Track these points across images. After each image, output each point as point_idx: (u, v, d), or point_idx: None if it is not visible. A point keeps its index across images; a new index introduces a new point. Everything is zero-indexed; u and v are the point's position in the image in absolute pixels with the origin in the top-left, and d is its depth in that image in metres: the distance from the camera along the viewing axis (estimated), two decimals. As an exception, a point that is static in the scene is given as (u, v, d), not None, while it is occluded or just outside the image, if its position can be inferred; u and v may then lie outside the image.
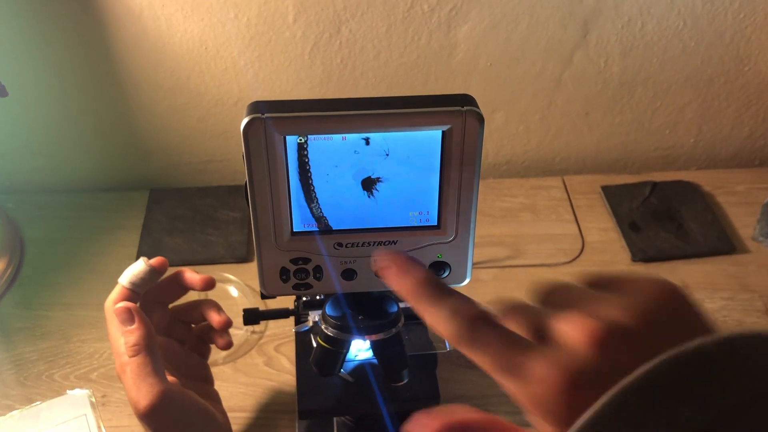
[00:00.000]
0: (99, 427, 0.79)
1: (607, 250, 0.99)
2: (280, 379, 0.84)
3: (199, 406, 0.62)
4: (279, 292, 0.54)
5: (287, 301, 0.74)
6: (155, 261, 0.67)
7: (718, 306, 0.92)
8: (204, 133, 1.03)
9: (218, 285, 0.94)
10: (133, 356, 0.60)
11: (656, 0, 0.94)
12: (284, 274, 0.53)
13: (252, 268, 0.96)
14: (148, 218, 1.01)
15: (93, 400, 0.82)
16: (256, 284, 0.92)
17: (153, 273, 0.66)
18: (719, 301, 0.93)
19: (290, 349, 0.87)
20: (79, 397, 0.82)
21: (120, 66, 0.95)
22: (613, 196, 1.05)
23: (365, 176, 0.50)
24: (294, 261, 0.53)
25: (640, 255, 0.97)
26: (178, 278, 0.70)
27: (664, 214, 1.03)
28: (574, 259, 0.98)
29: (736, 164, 1.15)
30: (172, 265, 0.96)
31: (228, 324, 0.70)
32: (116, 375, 0.62)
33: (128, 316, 0.61)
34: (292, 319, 0.88)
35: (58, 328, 0.89)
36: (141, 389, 0.58)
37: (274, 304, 0.75)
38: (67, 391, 0.83)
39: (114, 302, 0.63)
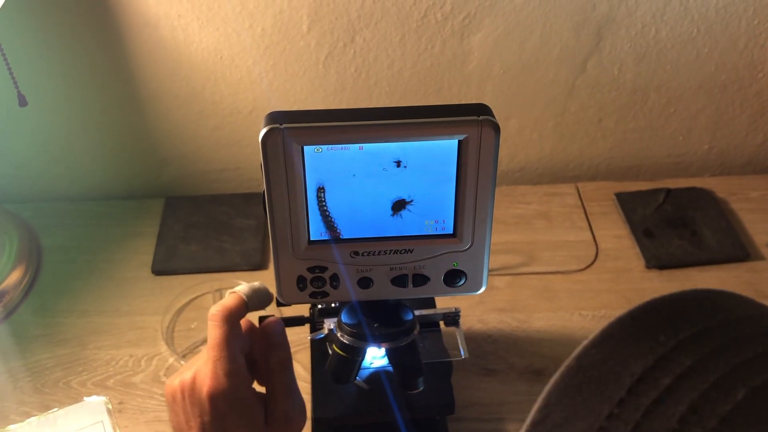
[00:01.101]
0: (116, 434, 0.80)
1: (621, 257, 0.99)
2: (295, 386, 0.84)
3: None
4: (296, 300, 0.54)
5: (303, 309, 0.75)
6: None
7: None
8: (219, 141, 1.04)
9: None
10: (285, 371, 0.61)
11: (670, 7, 0.94)
12: (301, 282, 0.54)
13: (267, 276, 0.96)
14: (164, 226, 1.02)
15: (110, 406, 0.83)
16: (271, 291, 0.93)
17: (269, 297, 0.64)
18: (734, 308, 0.92)
19: (305, 356, 0.87)
20: (95, 403, 0.83)
21: (137, 76, 0.96)
22: (627, 202, 1.05)
23: (398, 198, 0.50)
24: (311, 269, 0.53)
25: (654, 262, 0.97)
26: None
27: (678, 221, 1.03)
28: (588, 266, 0.98)
29: (750, 171, 1.14)
30: (187, 272, 0.98)
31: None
32: (217, 395, 0.58)
33: (284, 330, 0.61)
34: (307, 326, 0.89)
35: (74, 335, 0.90)
36: (296, 402, 0.60)
37: (289, 311, 0.75)
38: (84, 398, 0.83)
39: (230, 310, 0.60)
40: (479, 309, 0.92)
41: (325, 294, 0.54)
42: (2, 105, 0.98)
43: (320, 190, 0.50)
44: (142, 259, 0.98)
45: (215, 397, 0.58)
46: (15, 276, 0.94)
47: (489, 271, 0.97)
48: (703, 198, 1.06)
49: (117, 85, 0.98)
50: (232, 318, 0.60)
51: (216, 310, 0.60)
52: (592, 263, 0.98)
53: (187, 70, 0.95)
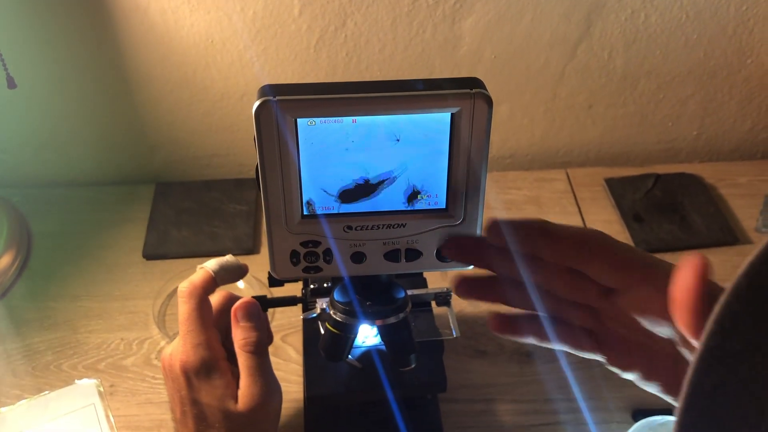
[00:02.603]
0: (107, 416, 0.80)
1: (611, 242, 0.99)
2: (287, 368, 0.84)
3: None
4: (289, 275, 0.54)
5: (295, 290, 0.75)
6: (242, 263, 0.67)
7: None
8: (210, 126, 1.03)
9: (225, 276, 0.95)
10: (253, 352, 0.61)
11: (659, -8, 0.94)
12: (294, 257, 0.54)
13: (259, 260, 0.96)
14: (155, 211, 1.02)
15: (101, 389, 0.83)
16: (262, 276, 0.93)
17: (240, 271, 0.66)
18: (723, 291, 0.93)
19: (297, 339, 0.87)
20: (87, 386, 0.83)
21: (127, 60, 0.96)
22: (617, 188, 1.06)
23: (410, 190, 0.51)
24: (304, 244, 0.53)
25: (644, 246, 0.97)
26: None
27: (667, 206, 1.03)
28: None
29: (738, 157, 1.15)
30: (179, 257, 0.97)
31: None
32: (186, 367, 0.61)
33: (255, 312, 0.62)
34: (298, 309, 0.89)
35: (66, 320, 0.90)
36: (267, 385, 0.61)
37: (281, 292, 0.75)
38: (76, 381, 0.83)
39: (200, 288, 0.62)
40: (470, 292, 0.93)
41: (319, 269, 0.54)
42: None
43: (313, 163, 0.50)
44: (133, 244, 0.98)
45: (186, 370, 0.60)
46: (5, 261, 0.94)
47: (480, 255, 0.98)
48: (692, 184, 1.07)
49: (107, 70, 0.97)
50: (198, 293, 0.62)
51: (183, 286, 0.62)
52: (583, 247, 0.99)
53: (178, 54, 0.95)
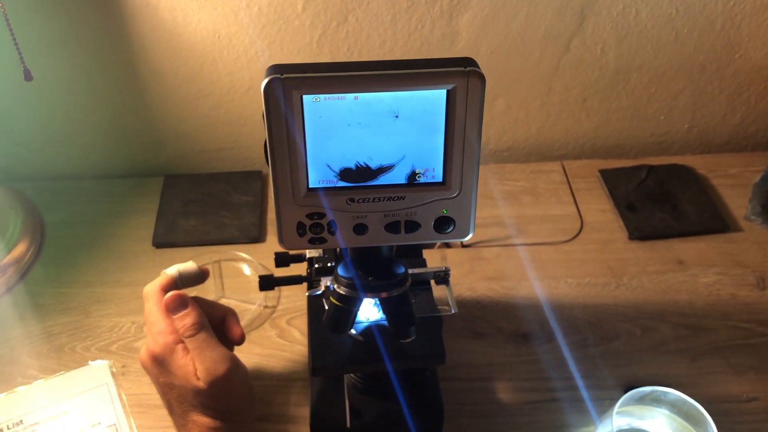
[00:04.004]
0: (120, 395, 0.83)
1: (605, 229, 1.03)
2: (293, 349, 0.88)
3: (248, 372, 0.70)
4: (296, 245, 0.58)
5: (300, 271, 0.78)
6: (204, 267, 0.76)
7: (712, 280, 0.96)
8: (216, 120, 1.07)
9: (232, 264, 0.98)
10: (194, 335, 0.67)
11: (649, -12, 0.98)
12: (301, 228, 0.57)
13: (265, 248, 1.00)
14: (163, 202, 1.05)
15: (114, 370, 0.86)
16: (268, 263, 0.96)
17: (199, 276, 0.75)
18: (713, 276, 0.97)
19: (301, 322, 0.91)
20: (100, 367, 0.86)
21: (137, 55, 0.99)
22: (611, 179, 1.09)
23: (409, 173, 0.56)
24: (310, 216, 0.56)
25: (637, 233, 1.01)
26: (214, 308, 0.76)
27: (659, 196, 1.07)
28: (573, 238, 1.02)
29: (730, 150, 1.19)
30: (187, 245, 1.01)
31: (242, 339, 0.76)
32: (154, 355, 0.68)
33: (181, 302, 0.69)
34: (303, 295, 0.92)
35: (78, 304, 0.93)
36: (214, 359, 0.66)
37: (287, 272, 0.79)
38: (89, 362, 0.87)
39: (157, 287, 0.71)
40: (469, 278, 0.96)
41: (323, 240, 0.58)
42: (6, 86, 1.01)
43: (318, 138, 0.54)
44: (143, 233, 1.02)
45: (155, 357, 0.68)
46: (19, 250, 0.97)
47: (479, 243, 1.02)
48: (684, 174, 1.10)
49: (118, 65, 1.01)
50: (156, 291, 0.71)
51: (146, 288, 0.72)
52: (577, 235, 1.02)
53: (186, 50, 0.99)
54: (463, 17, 0.99)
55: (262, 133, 1.10)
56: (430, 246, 0.99)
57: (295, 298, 0.93)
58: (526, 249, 1.00)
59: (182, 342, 0.68)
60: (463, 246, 1.00)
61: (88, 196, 1.08)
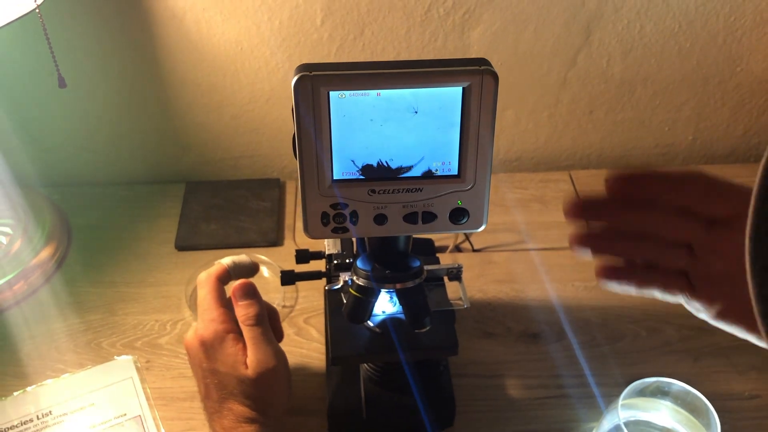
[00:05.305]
0: (144, 388, 0.87)
1: (612, 235, 1.06)
2: (310, 346, 0.91)
3: (291, 373, 0.74)
4: (320, 234, 0.61)
5: (320, 265, 0.82)
6: (254, 262, 0.79)
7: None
8: (237, 129, 1.11)
9: (251, 265, 1.02)
10: (254, 325, 0.71)
11: (653, 3, 1.02)
12: (325, 218, 0.61)
13: (282, 251, 1.03)
14: (186, 207, 1.09)
15: (138, 365, 0.89)
16: (286, 266, 1.00)
17: (251, 268, 0.78)
18: (716, 279, 1.00)
19: (318, 321, 0.94)
20: (125, 362, 0.90)
21: (162, 66, 1.04)
22: (617, 187, 1.12)
23: (426, 171, 0.60)
24: (333, 206, 0.60)
25: (642, 239, 1.04)
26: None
27: (664, 204, 1.10)
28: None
29: (733, 161, 1.22)
30: (209, 248, 1.05)
31: (282, 337, 0.79)
32: (203, 340, 0.71)
33: (250, 291, 0.73)
34: (320, 296, 0.96)
35: (104, 303, 0.97)
36: (267, 352, 0.70)
37: (306, 268, 0.82)
38: (115, 357, 0.90)
39: (212, 276, 0.74)
40: (480, 281, 1.00)
41: (345, 229, 0.61)
42: (36, 94, 1.06)
43: (343, 132, 0.58)
44: (166, 237, 1.06)
45: (203, 342, 0.71)
46: (47, 252, 1.01)
47: (489, 247, 1.05)
48: (688, 184, 1.13)
49: (143, 75, 1.06)
50: (212, 280, 0.74)
51: (201, 275, 0.75)
52: (585, 240, 1.05)
53: (209, 60, 1.03)
54: (474, 31, 1.03)
55: (280, 142, 1.15)
56: (443, 250, 1.02)
57: (312, 298, 0.97)
58: (535, 254, 1.04)
59: (233, 332, 0.71)
60: (474, 250, 1.04)
61: (113, 202, 1.12)
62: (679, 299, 0.57)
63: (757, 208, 0.34)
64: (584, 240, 0.58)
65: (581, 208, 0.56)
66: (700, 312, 0.56)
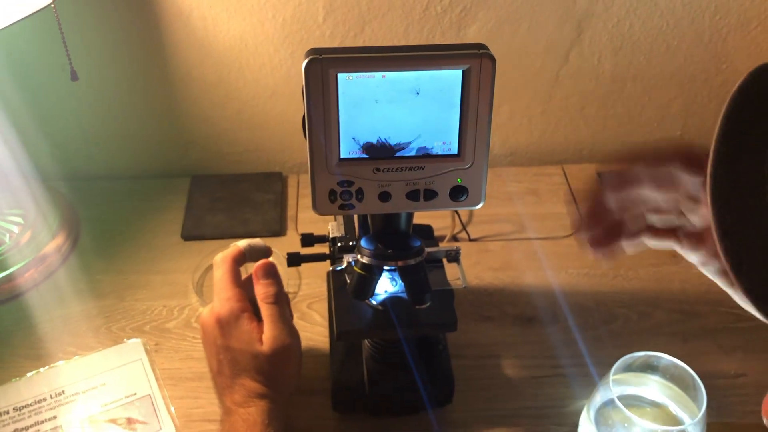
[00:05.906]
0: (153, 369, 0.90)
1: (603, 225, 1.10)
2: (313, 330, 0.95)
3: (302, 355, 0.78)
4: (328, 211, 0.65)
5: (324, 248, 0.85)
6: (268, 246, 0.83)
7: (706, 280, 1.03)
8: (241, 124, 1.15)
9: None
10: (273, 303, 0.75)
11: (642, 2, 1.06)
12: (332, 195, 0.64)
13: (285, 241, 1.07)
14: (191, 200, 1.13)
15: (147, 347, 0.93)
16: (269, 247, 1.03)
17: (265, 251, 0.82)
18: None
19: (321, 306, 0.98)
20: (134, 344, 0.93)
21: (169, 62, 1.08)
22: (608, 180, 1.16)
23: (422, 151, 0.63)
24: (340, 183, 0.64)
25: (633, 229, 1.08)
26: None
27: (654, 196, 1.14)
28: (572, 234, 1.09)
29: (720, 156, 1.26)
30: (214, 238, 1.08)
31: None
32: (219, 317, 0.74)
33: (272, 271, 0.77)
34: (322, 282, 0.99)
35: (113, 290, 1.00)
36: (283, 330, 0.74)
37: (311, 251, 0.86)
38: (125, 340, 0.93)
39: (228, 257, 0.77)
40: (477, 268, 1.03)
41: (352, 206, 0.65)
42: (47, 91, 1.09)
43: (349, 112, 0.61)
44: (172, 228, 1.09)
45: (219, 319, 0.74)
46: (58, 240, 1.04)
47: (485, 237, 1.09)
48: (677, 177, 1.17)
49: (150, 71, 1.09)
50: (229, 261, 0.77)
51: (218, 256, 0.78)
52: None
53: (215, 56, 1.07)
54: (470, 29, 1.07)
55: (283, 137, 1.18)
56: (441, 239, 1.06)
57: (315, 285, 1.00)
58: (529, 243, 1.08)
59: (248, 311, 0.74)
60: (471, 240, 1.08)
61: (120, 195, 1.15)
62: (672, 246, 0.62)
63: (716, 149, 0.44)
64: (596, 242, 0.63)
65: (587, 225, 0.63)
66: (690, 257, 0.61)
